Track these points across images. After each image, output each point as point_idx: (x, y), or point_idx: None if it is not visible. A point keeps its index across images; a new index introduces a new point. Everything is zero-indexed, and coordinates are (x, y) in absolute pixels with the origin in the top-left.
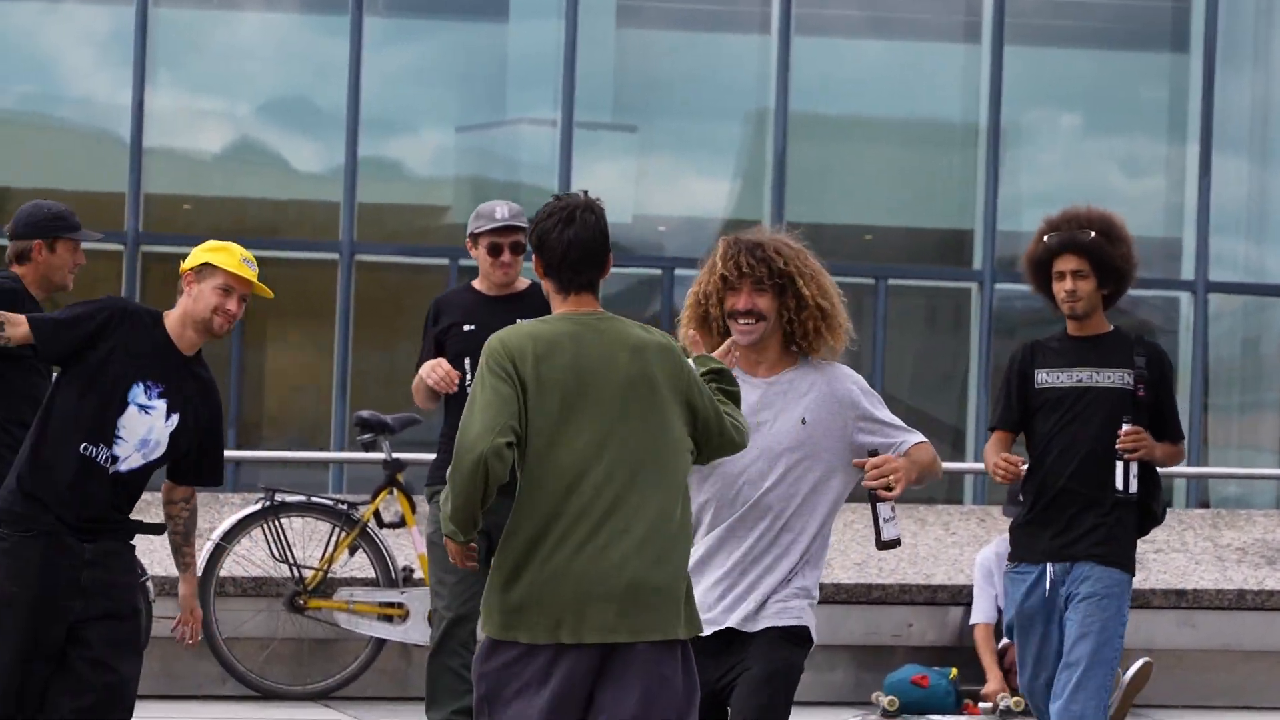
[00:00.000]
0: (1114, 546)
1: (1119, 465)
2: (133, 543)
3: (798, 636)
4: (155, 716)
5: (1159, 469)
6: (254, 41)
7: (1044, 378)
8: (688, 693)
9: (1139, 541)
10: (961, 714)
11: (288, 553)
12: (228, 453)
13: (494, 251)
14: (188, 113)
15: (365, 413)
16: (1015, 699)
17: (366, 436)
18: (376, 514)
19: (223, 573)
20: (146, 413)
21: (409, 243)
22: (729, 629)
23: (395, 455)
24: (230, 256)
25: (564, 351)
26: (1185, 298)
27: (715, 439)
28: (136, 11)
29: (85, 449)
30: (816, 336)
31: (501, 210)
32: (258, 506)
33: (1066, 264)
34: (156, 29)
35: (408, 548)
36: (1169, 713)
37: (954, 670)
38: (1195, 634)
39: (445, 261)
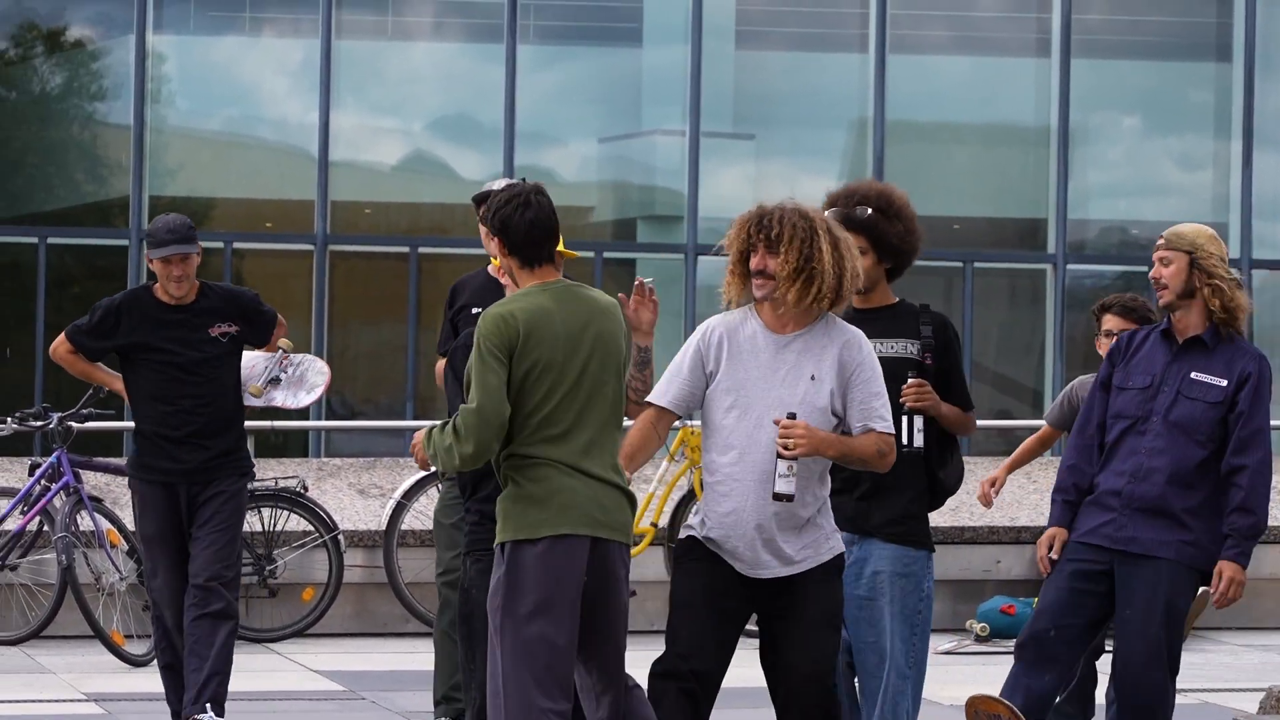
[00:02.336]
0: (910, 525)
1: (904, 420)
2: None
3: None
4: (351, 650)
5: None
6: (423, 67)
7: None
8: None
9: None
10: None
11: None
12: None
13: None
14: (367, 129)
15: None
16: None
17: None
18: None
19: (403, 526)
20: None
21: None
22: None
23: None
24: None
25: (550, 319)
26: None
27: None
28: (322, 43)
29: None
30: (802, 296)
31: (502, 184)
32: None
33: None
34: (339, 58)
35: None
36: (1227, 634)
37: (1036, 599)
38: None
39: (591, 254)
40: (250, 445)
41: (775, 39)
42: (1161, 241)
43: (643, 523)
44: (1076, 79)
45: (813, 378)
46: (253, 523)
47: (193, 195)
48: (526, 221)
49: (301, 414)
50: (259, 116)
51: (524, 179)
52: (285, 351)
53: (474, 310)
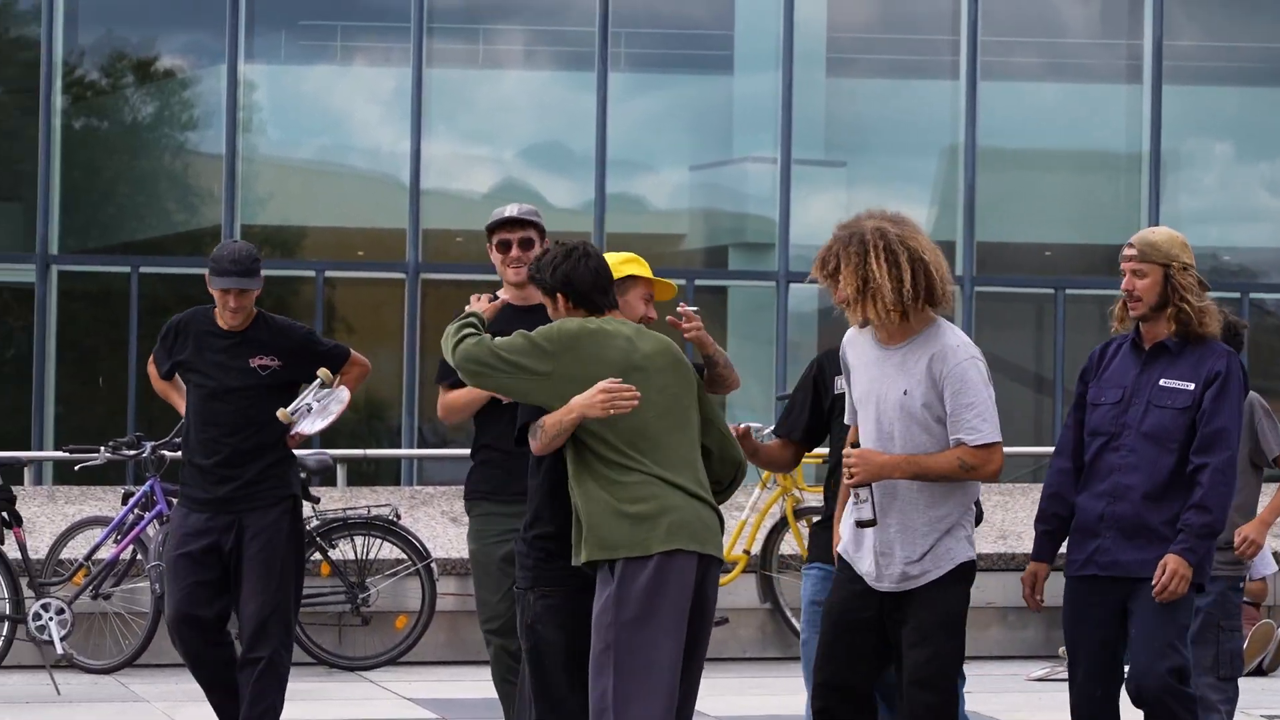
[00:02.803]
0: None
1: None
2: None
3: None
4: (444, 678)
5: None
6: (515, 95)
7: (842, 384)
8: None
9: None
10: None
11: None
12: None
13: (503, 248)
14: (459, 158)
15: None
16: None
17: None
18: None
19: None
20: None
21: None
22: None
23: None
24: (644, 266)
25: (628, 340)
26: None
27: None
28: (413, 71)
29: None
30: (871, 313)
31: (512, 208)
32: None
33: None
34: (431, 87)
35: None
36: None
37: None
38: None
39: (682, 282)
40: (342, 475)
41: (866, 66)
42: (1133, 252)
43: (735, 550)
44: (1168, 104)
45: (905, 392)
46: (345, 551)
47: (284, 224)
48: (592, 269)
49: (393, 442)
50: (350, 145)
51: (556, 240)
52: (322, 382)
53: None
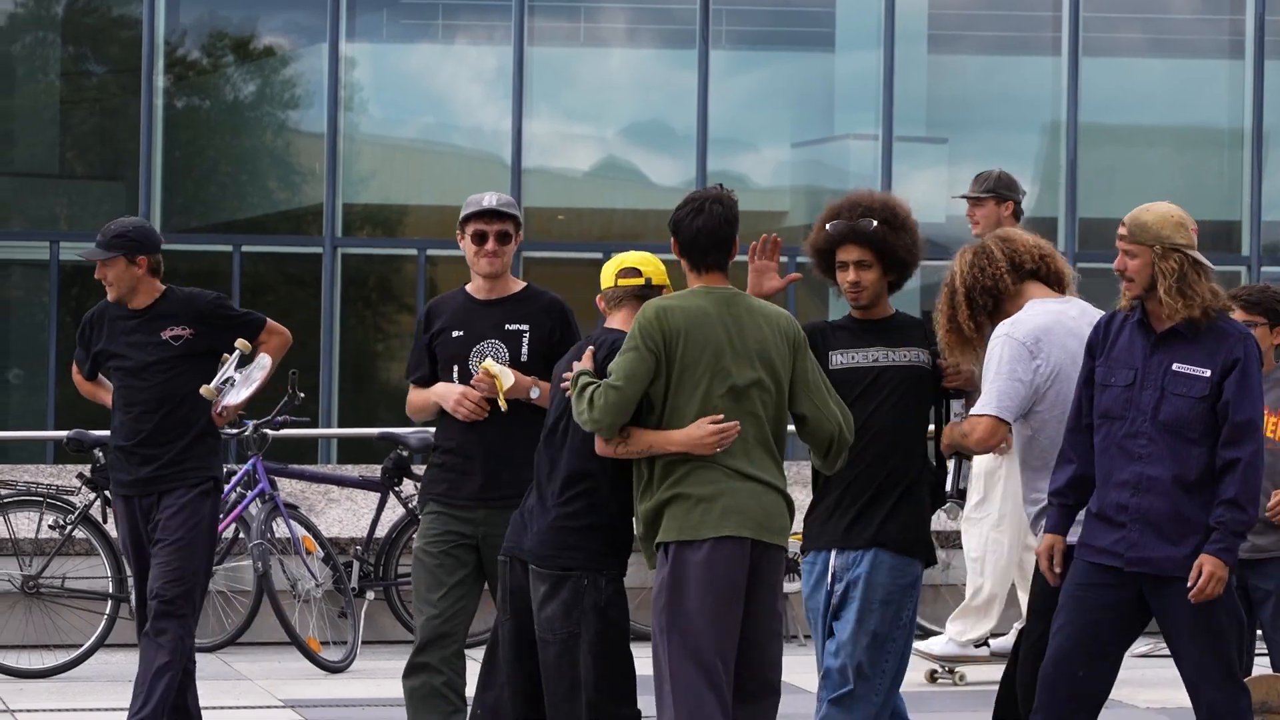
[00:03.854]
0: (910, 533)
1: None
2: None
3: None
4: None
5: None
6: (616, 73)
7: (839, 359)
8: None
9: None
10: None
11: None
12: None
13: (479, 239)
14: (560, 136)
15: None
16: None
17: None
18: None
19: None
20: None
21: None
22: None
23: None
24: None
25: (709, 321)
26: None
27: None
28: (515, 50)
29: None
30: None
31: (490, 198)
32: None
33: (849, 254)
34: (532, 66)
35: None
36: None
37: None
38: None
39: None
40: None
41: (968, 42)
42: (1123, 231)
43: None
44: (1271, 80)
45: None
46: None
47: (386, 202)
48: (694, 229)
49: None
50: (452, 124)
51: (719, 185)
52: (242, 354)
53: (454, 333)
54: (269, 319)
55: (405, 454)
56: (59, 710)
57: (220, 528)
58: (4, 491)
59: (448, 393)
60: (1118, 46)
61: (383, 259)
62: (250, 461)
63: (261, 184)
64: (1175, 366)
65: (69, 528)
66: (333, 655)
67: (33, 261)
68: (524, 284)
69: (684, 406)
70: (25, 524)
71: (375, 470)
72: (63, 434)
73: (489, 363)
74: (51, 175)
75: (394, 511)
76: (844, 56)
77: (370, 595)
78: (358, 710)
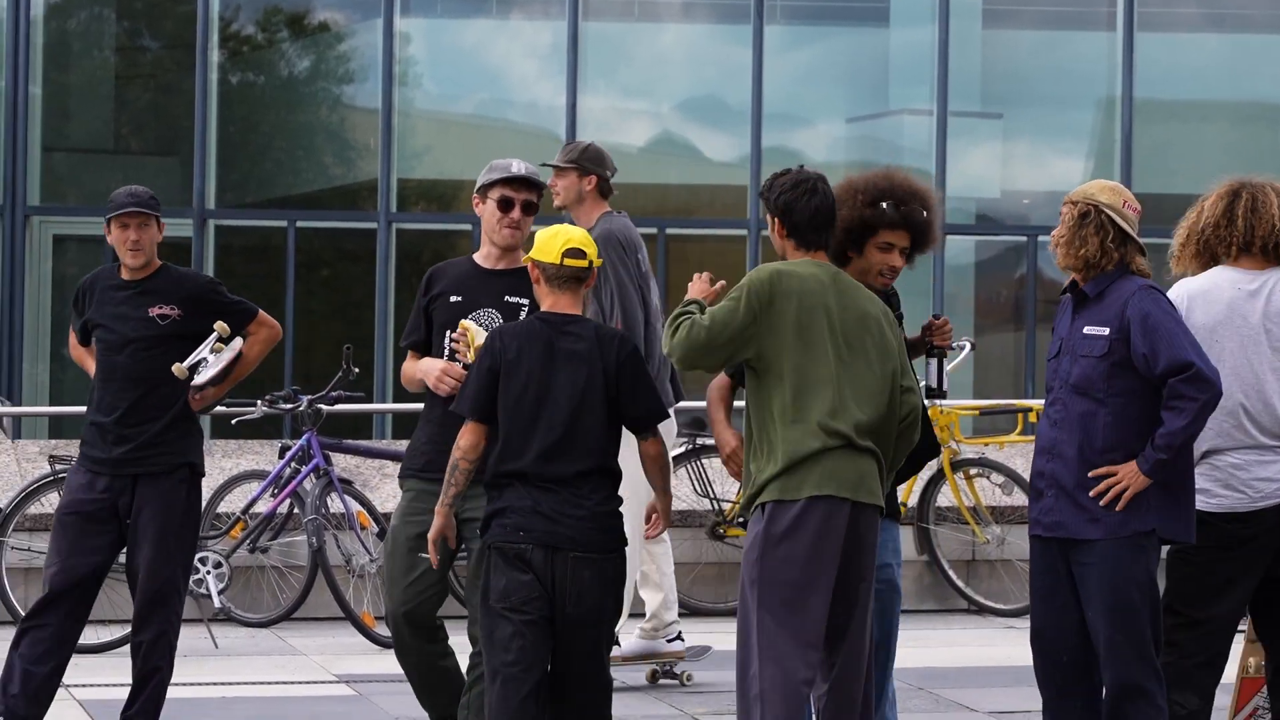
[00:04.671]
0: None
1: (932, 363)
2: None
3: None
4: None
5: None
6: (671, 49)
7: None
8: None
9: None
10: None
11: (709, 488)
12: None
13: (505, 206)
14: (615, 111)
15: None
16: None
17: None
18: None
19: None
20: None
21: None
22: None
23: None
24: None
25: (822, 288)
26: None
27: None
28: (569, 25)
29: None
30: None
31: (518, 165)
32: (682, 449)
33: (899, 239)
34: (587, 41)
35: None
36: None
37: None
38: None
39: None
40: None
41: (1023, 17)
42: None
43: None
44: None
45: None
46: None
47: (440, 177)
48: (812, 208)
49: None
50: (507, 99)
51: (800, 165)
52: (219, 336)
53: (453, 298)
54: (261, 311)
55: None
56: (114, 685)
57: (275, 503)
58: (59, 467)
59: (430, 368)
60: (1173, 21)
61: (437, 234)
62: (305, 437)
63: (316, 159)
64: (1085, 330)
65: None
66: (387, 630)
67: (88, 237)
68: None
69: (809, 368)
70: None
71: None
72: None
73: (468, 321)
74: (107, 151)
75: None
76: (899, 31)
77: None
78: (388, 685)
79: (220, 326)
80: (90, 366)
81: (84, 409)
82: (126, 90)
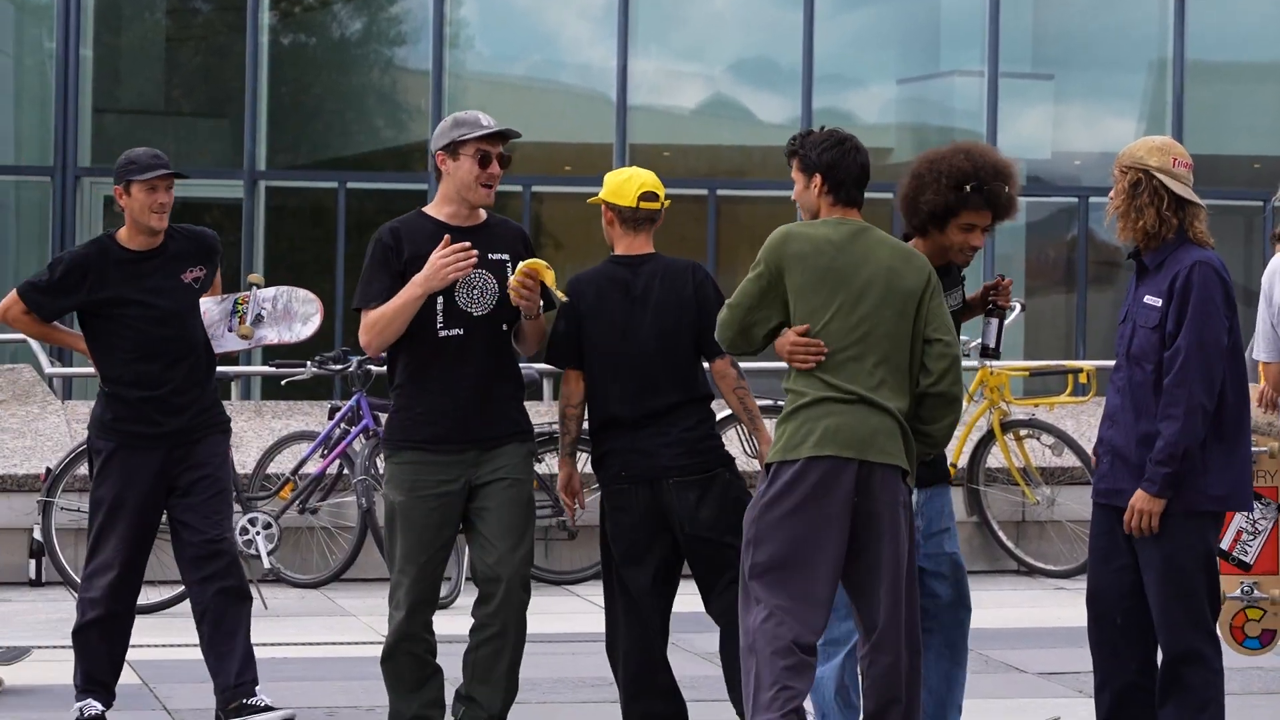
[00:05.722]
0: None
1: (993, 324)
2: None
3: None
4: None
5: None
6: (722, 10)
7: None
8: None
9: None
10: None
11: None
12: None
13: (485, 162)
14: (665, 74)
15: None
16: None
17: None
18: None
19: None
20: None
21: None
22: None
23: None
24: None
25: (830, 247)
26: None
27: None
28: None
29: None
30: None
31: (487, 118)
32: (728, 412)
33: (981, 219)
34: (638, 2)
35: None
36: None
37: None
38: None
39: (889, 195)
40: (548, 388)
41: None
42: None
43: None
44: None
45: None
46: (551, 465)
47: None
48: (859, 164)
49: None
50: (558, 61)
51: (822, 126)
52: (256, 287)
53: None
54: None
55: None
56: (162, 645)
57: (324, 464)
58: None
59: (425, 274)
60: None
61: None
62: (354, 398)
63: (367, 121)
64: (1146, 299)
65: None
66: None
67: None
68: (484, 213)
69: (820, 328)
70: None
71: None
72: None
73: (534, 260)
74: (158, 113)
75: None
76: None
77: None
78: (460, 646)
79: (255, 278)
80: (67, 341)
81: None
82: (178, 52)
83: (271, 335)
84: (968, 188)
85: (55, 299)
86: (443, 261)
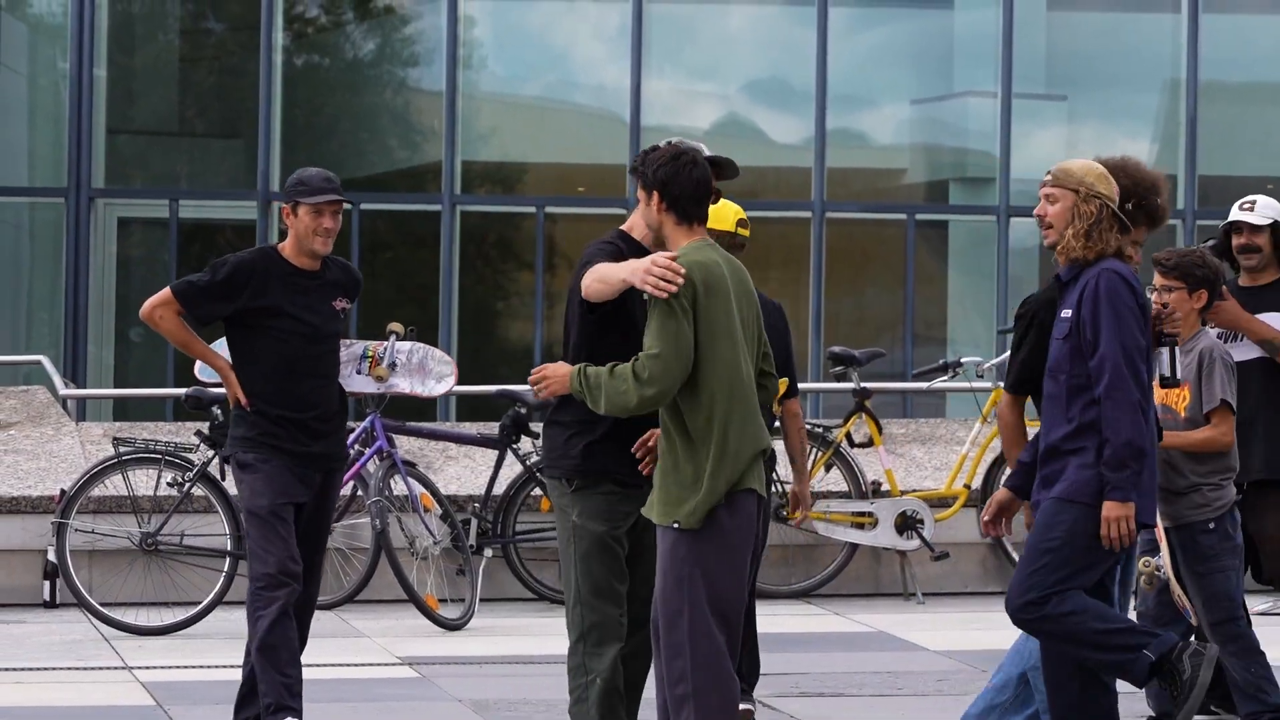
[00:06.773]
0: None
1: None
2: None
3: None
4: None
5: None
6: (736, 30)
7: None
8: None
9: None
10: None
11: (772, 472)
12: None
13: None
14: (679, 93)
15: (836, 348)
16: None
17: (838, 369)
18: (848, 435)
19: None
20: None
21: (871, 201)
22: None
23: (863, 384)
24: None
25: (722, 273)
26: None
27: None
28: (634, 7)
29: None
30: None
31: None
32: None
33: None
34: (651, 23)
35: (876, 464)
36: None
37: None
38: None
39: (903, 217)
40: None
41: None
42: (1049, 178)
43: (956, 484)
44: None
45: None
46: None
47: (505, 160)
48: (695, 179)
49: None
50: (571, 81)
51: (668, 141)
52: (397, 336)
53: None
54: None
55: (523, 411)
56: (177, 667)
57: None
58: (123, 449)
59: (631, 270)
60: (1238, 3)
61: (502, 216)
62: (369, 419)
63: (381, 142)
64: (1062, 313)
65: (188, 485)
66: (450, 613)
67: (153, 219)
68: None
69: (717, 358)
70: (144, 481)
71: (493, 428)
72: (182, 391)
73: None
74: (171, 133)
75: (512, 469)
76: (963, 13)
77: (488, 552)
78: (475, 668)
79: (397, 328)
80: (197, 350)
81: (147, 390)
82: (191, 72)
83: (404, 385)
84: (1129, 205)
85: (214, 301)
86: (648, 270)
